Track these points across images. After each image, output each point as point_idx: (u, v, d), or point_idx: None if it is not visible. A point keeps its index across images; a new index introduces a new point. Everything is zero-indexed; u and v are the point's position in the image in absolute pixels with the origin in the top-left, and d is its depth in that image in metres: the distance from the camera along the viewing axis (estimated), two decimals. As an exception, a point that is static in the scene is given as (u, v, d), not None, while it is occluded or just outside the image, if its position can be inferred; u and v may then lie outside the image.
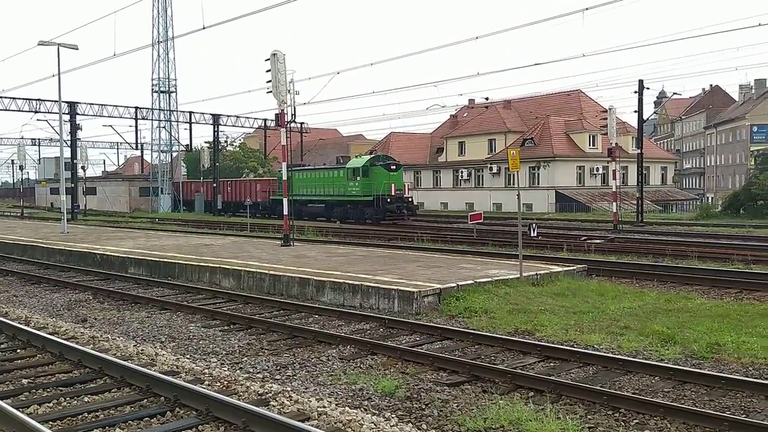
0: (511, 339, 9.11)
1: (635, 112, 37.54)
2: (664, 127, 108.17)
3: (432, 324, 10.22)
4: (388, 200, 37.19)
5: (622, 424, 6.02)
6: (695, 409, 6.21)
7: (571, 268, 14.87)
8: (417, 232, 26.85)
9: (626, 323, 9.96)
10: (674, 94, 44.38)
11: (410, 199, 39.70)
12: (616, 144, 35.05)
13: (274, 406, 6.33)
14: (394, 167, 39.03)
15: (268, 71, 20.55)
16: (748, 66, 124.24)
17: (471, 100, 67.31)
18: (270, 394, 6.67)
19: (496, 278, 12.90)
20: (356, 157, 43.97)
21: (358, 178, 38.78)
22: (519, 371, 7.51)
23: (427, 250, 20.44)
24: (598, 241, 23.30)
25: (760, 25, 29.62)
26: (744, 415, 6.16)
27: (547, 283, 13.39)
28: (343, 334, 9.58)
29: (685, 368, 7.53)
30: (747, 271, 15.59)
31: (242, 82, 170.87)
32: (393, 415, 6.28)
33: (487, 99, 59.65)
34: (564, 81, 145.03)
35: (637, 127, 39.20)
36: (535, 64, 58.48)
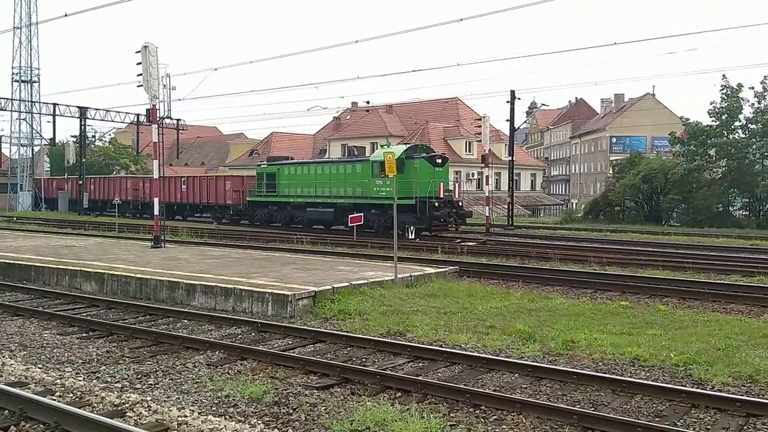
0: (383, 340, 9.22)
1: (507, 121, 39.40)
2: (534, 136, 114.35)
3: (306, 327, 10.14)
4: (436, 204, 27.91)
5: (482, 420, 6.25)
6: (548, 403, 6.58)
7: (444, 269, 15.33)
8: (296, 234, 26.63)
9: (492, 323, 10.38)
10: (542, 105, 47.05)
11: (461, 203, 30.44)
12: (490, 150, 36.68)
13: (130, 417, 6.02)
14: (440, 160, 29.60)
15: (138, 64, 19.61)
16: (607, 81, 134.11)
17: (354, 103, 67.87)
18: (127, 405, 6.33)
19: (371, 280, 13.03)
20: (382, 146, 34.69)
21: (392, 175, 31.85)
22: (388, 372, 7.62)
23: (306, 253, 20.32)
24: (470, 243, 24.18)
25: (615, 44, 32.01)
26: (592, 408, 6.59)
27: (421, 284, 13.71)
28: (212, 340, 9.29)
29: (542, 365, 7.95)
30: (602, 272, 16.78)
31: (114, 74, 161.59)
32: (259, 422, 6.16)
33: (368, 103, 60.34)
34: (443, 88, 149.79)
35: (509, 135, 41.14)
36: (413, 71, 59.46)
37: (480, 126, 36.65)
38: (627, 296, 13.26)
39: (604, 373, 7.76)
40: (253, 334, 9.94)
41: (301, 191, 33.35)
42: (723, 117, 40.06)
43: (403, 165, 27.77)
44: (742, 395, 6.86)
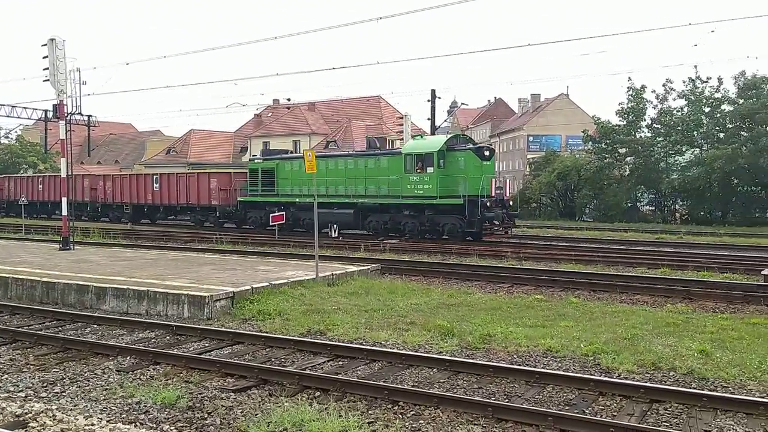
0: (303, 340, 9.14)
1: (429, 119, 39.92)
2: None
3: (223, 329, 9.93)
4: (488, 204, 23.90)
5: (400, 416, 6.30)
6: (464, 397, 6.70)
7: (366, 267, 15.36)
8: (216, 234, 26.04)
9: (412, 319, 10.49)
10: (462, 104, 47.91)
11: (511, 203, 26.54)
12: (412, 149, 36.92)
13: (33, 427, 5.70)
14: (488, 152, 25.42)
15: (45, 57, 18.64)
16: (524, 82, 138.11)
17: (275, 100, 67.07)
18: (30, 415, 6.00)
19: (292, 280, 12.90)
20: (415, 137, 28.42)
21: (431, 169, 24.51)
22: (307, 372, 7.56)
23: (226, 253, 19.91)
24: (393, 241, 24.34)
25: (529, 45, 32.97)
26: (506, 400, 6.76)
27: (343, 282, 13.69)
28: (123, 345, 8.94)
29: (459, 359, 8.09)
30: (519, 267, 17.27)
31: (21, 68, 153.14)
32: (172, 428, 5.98)
33: (289, 100, 59.77)
34: (365, 86, 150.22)
35: (430, 134, 41.69)
36: (333, 68, 59.30)
37: (402, 124, 36.98)
38: (542, 290, 13.69)
39: (519, 365, 7.98)
40: (168, 337, 9.63)
41: (308, 189, 28.22)
42: (630, 117, 42.05)
43: (444, 158, 24.61)
44: (646, 382, 7.20)
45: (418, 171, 24.74)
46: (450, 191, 24.05)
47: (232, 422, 6.15)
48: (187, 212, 34.83)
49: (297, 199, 28.91)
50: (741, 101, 36.54)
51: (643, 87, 41.45)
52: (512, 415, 6.12)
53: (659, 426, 6.01)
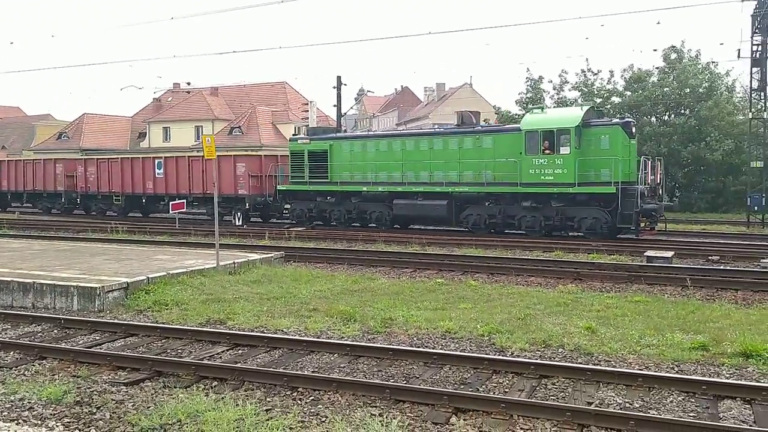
0: (201, 330, 8.94)
1: (335, 106, 39.76)
2: (363, 122, 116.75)
3: (116, 321, 9.55)
4: (645, 194, 19.42)
5: (298, 402, 6.28)
6: (363, 380, 6.77)
7: (269, 255, 15.17)
8: (111, 223, 24.90)
9: (315, 306, 10.47)
10: (369, 91, 47.99)
11: (661, 191, 21.52)
12: (318, 136, 36.73)
13: None
14: (635, 129, 21.15)
15: None
16: (429, 70, 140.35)
17: (176, 84, 64.74)
18: None
19: (191, 269, 12.56)
20: (533, 110, 22.17)
21: (566, 150, 19.64)
22: (204, 362, 7.39)
23: (122, 242, 19.10)
24: (299, 228, 24.17)
25: (430, 33, 33.44)
26: (404, 381, 6.89)
27: (245, 271, 13.46)
28: (6, 340, 8.42)
29: (360, 344, 8.16)
30: (422, 252, 17.60)
31: None
32: (58, 424, 5.71)
33: (189, 84, 57.86)
34: (270, 71, 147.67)
35: (336, 121, 41.57)
36: (234, 52, 57.78)
37: (308, 111, 36.66)
38: (443, 274, 14.02)
39: (418, 347, 8.14)
40: (56, 331, 9.15)
41: (376, 177, 23.46)
42: (528, 107, 43.60)
43: (580, 136, 19.75)
44: (537, 359, 7.55)
45: (546, 152, 19.94)
46: (590, 177, 19.52)
47: (122, 416, 5.92)
48: (203, 204, 28.72)
49: (363, 189, 23.71)
50: (628, 93, 38.67)
51: (541, 78, 43.02)
52: (409, 396, 6.24)
53: (546, 400, 6.32)
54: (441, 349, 8.07)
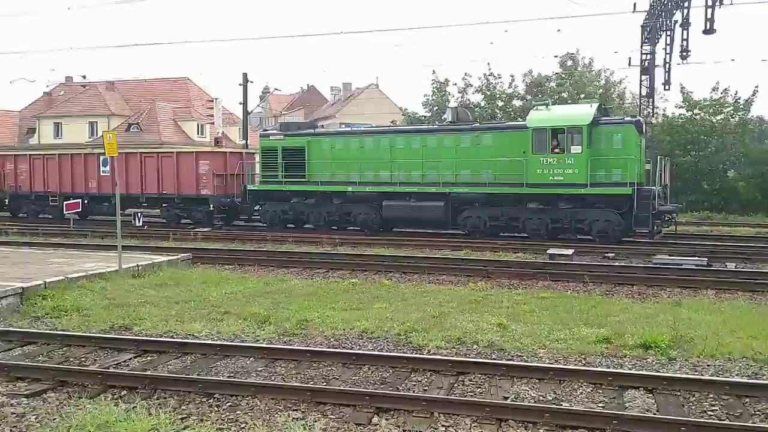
0: (106, 336, 8.49)
1: (241, 103, 38.97)
2: (269, 121, 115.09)
3: (11, 329, 8.90)
4: (659, 195, 18.88)
5: (215, 409, 6.08)
6: (282, 383, 6.65)
7: (176, 257, 14.66)
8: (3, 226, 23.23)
9: (227, 309, 10.21)
10: (275, 89, 47.43)
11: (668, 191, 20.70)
12: (223, 133, 36.00)
13: None
14: (646, 127, 20.81)
15: None
16: (336, 70, 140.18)
17: (69, 77, 61.35)
18: None
19: (91, 272, 11.95)
20: (537, 106, 20.81)
21: (578, 149, 18.81)
22: (111, 370, 7.03)
23: (12, 245, 17.87)
24: (205, 229, 23.47)
25: (342, 33, 33.46)
26: (324, 383, 6.83)
27: (150, 274, 12.94)
28: None
29: (276, 346, 8.02)
30: (334, 252, 17.54)
31: None
32: (-52, 444, 5.24)
33: (84, 77, 54.93)
34: (171, 66, 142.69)
35: (242, 119, 40.77)
36: (135, 45, 55.59)
37: (212, 108, 35.74)
38: (357, 274, 14.03)
39: (336, 348, 8.10)
40: (-59, 342, 8.41)
41: (362, 176, 21.98)
42: (435, 109, 44.47)
43: (591, 135, 18.80)
44: (453, 356, 7.69)
45: (555, 151, 19.07)
46: (601, 178, 18.75)
47: (25, 429, 5.55)
48: (158, 204, 26.59)
49: (349, 189, 22.10)
50: (529, 97, 40.25)
51: (447, 80, 44.00)
52: (330, 398, 6.19)
53: (464, 396, 6.45)
54: (359, 349, 8.06)
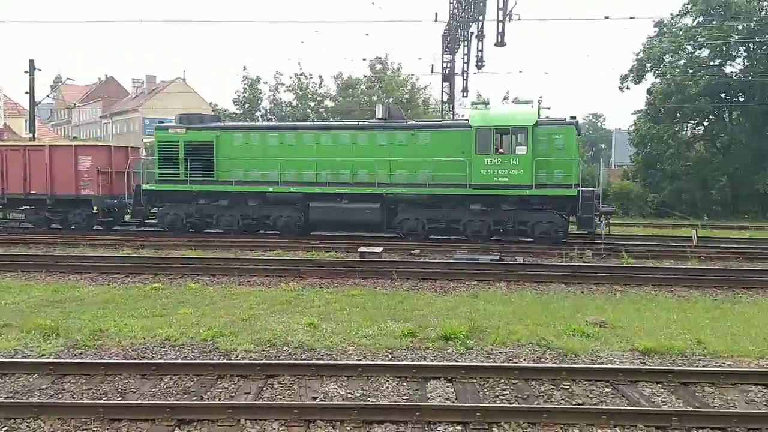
0: None
1: (27, 93, 35.16)
2: (61, 113, 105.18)
3: None
4: (598, 197, 18.54)
5: (-13, 437, 5.37)
6: (70, 402, 6.03)
7: (-58, 264, 12.77)
8: None
9: (7, 321, 9.16)
10: (68, 79, 43.57)
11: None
12: (6, 125, 32.30)
13: None
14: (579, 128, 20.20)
15: None
16: (139, 61, 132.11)
17: None
18: None
19: None
20: (479, 104, 20.30)
21: (522, 150, 18.41)
22: None
23: None
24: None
25: (142, 21, 31.54)
26: (120, 398, 6.32)
27: None
28: None
29: (65, 361, 7.28)
30: (135, 255, 16.41)
31: None
32: None
33: None
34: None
35: (29, 110, 36.80)
36: None
37: (-9, 96, 31.79)
38: (160, 278, 13.24)
39: (134, 359, 7.55)
40: None
41: (282, 175, 19.91)
42: (246, 106, 43.67)
43: (531, 135, 18.34)
44: (262, 359, 7.51)
45: (500, 151, 18.73)
46: (545, 179, 18.50)
47: None
48: (29, 206, 22.31)
49: (269, 189, 19.90)
50: (341, 99, 41.06)
51: (258, 78, 43.47)
52: (125, 413, 5.74)
53: (273, 399, 6.33)
54: (160, 358, 7.58)
